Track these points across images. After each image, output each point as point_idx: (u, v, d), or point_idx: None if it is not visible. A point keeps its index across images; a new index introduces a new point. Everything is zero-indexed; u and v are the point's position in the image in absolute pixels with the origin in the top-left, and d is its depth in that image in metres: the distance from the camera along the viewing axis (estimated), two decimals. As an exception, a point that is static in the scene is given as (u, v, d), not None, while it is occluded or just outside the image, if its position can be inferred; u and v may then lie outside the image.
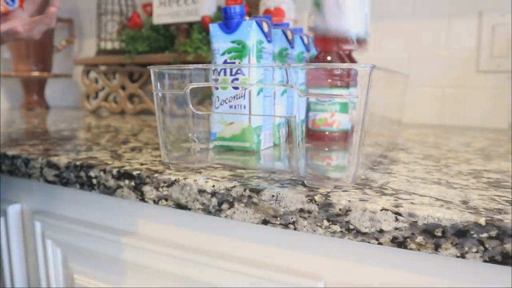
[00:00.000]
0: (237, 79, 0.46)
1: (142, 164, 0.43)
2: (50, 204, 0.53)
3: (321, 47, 0.52)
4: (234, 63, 0.46)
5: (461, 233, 0.27)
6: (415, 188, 0.34)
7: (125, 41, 1.03)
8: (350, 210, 0.30)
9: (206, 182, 0.36)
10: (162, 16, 0.98)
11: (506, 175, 0.40)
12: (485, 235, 0.26)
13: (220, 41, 0.47)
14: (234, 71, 0.45)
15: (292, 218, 0.32)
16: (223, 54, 0.47)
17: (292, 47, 0.56)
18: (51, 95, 1.43)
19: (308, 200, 0.31)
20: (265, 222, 0.34)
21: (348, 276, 0.35)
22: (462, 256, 0.27)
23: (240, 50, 0.46)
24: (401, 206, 0.29)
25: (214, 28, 0.47)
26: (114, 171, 0.41)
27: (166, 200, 0.38)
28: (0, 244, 0.56)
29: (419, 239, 0.28)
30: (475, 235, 0.27)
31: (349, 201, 0.30)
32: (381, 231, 0.29)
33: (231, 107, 0.46)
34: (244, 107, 0.46)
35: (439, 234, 0.28)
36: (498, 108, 0.88)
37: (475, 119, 0.90)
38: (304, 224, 0.32)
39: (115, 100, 1.15)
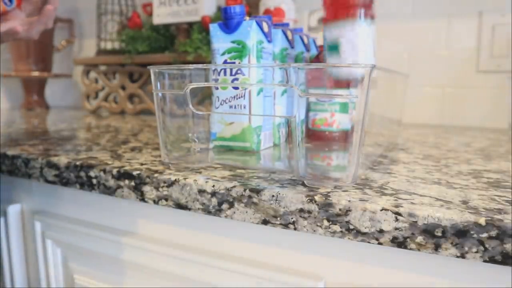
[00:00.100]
0: (237, 79, 0.46)
1: (142, 164, 0.43)
2: (50, 204, 0.53)
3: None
4: (234, 63, 0.46)
5: (461, 233, 0.27)
6: (415, 188, 0.34)
7: (125, 41, 1.03)
8: (350, 210, 0.30)
9: (206, 182, 0.36)
10: (162, 16, 0.98)
11: (506, 175, 0.40)
12: (485, 235, 0.26)
13: (220, 41, 0.47)
14: (234, 71, 0.45)
15: (292, 218, 0.32)
16: (223, 54, 0.47)
17: (292, 47, 0.56)
18: (51, 95, 1.43)
19: (308, 200, 0.31)
20: (265, 222, 0.34)
21: (348, 276, 0.35)
22: (462, 256, 0.27)
23: (240, 50, 0.46)
24: (401, 206, 0.29)
25: (214, 28, 0.47)
26: (114, 171, 0.41)
27: (166, 200, 0.38)
28: (0, 244, 0.56)
29: (419, 239, 0.28)
30: (475, 235, 0.27)
31: (349, 201, 0.30)
32: (381, 231, 0.29)
33: (231, 107, 0.46)
34: (244, 107, 0.46)
35: (439, 234, 0.28)
36: (498, 108, 0.88)
37: (475, 119, 0.90)
38: (304, 224, 0.32)
39: (115, 100, 1.15)
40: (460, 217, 0.27)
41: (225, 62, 0.47)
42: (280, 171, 0.41)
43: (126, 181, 0.40)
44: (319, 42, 0.68)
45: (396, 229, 0.29)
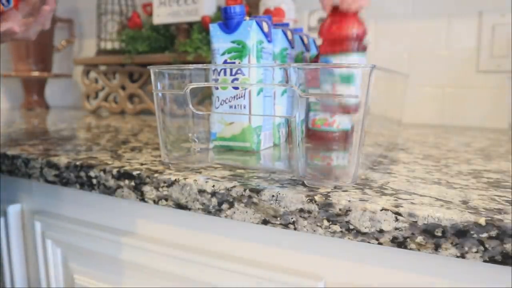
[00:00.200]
0: (237, 79, 0.46)
1: (142, 164, 0.43)
2: (50, 204, 0.53)
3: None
4: (234, 63, 0.46)
5: (461, 233, 0.27)
6: (415, 188, 0.34)
7: (125, 41, 1.03)
8: (350, 210, 0.30)
9: (206, 182, 0.36)
10: (162, 16, 0.98)
11: (506, 175, 0.40)
12: (485, 235, 0.26)
13: (220, 41, 0.47)
14: (234, 71, 0.45)
15: (292, 218, 0.32)
16: (223, 54, 0.47)
17: (292, 47, 0.56)
18: (51, 95, 1.43)
19: (308, 200, 0.31)
20: (265, 222, 0.34)
21: (348, 276, 0.35)
22: (462, 256, 0.27)
23: (240, 50, 0.46)
24: (401, 206, 0.29)
25: (214, 28, 0.47)
26: (114, 171, 0.41)
27: (166, 200, 0.38)
28: (0, 244, 0.56)
29: (419, 239, 0.28)
30: (475, 235, 0.27)
31: (349, 201, 0.30)
32: (381, 231, 0.29)
33: (231, 107, 0.46)
34: (244, 107, 0.46)
35: (439, 234, 0.28)
36: (498, 108, 0.88)
37: (475, 119, 0.90)
38: (304, 224, 0.32)
39: (115, 100, 1.15)
40: (460, 217, 0.27)
41: (225, 62, 0.47)
42: (280, 171, 0.41)
43: (126, 181, 0.40)
44: (319, 42, 0.68)
45: (396, 229, 0.29)
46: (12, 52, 1.26)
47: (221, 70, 0.46)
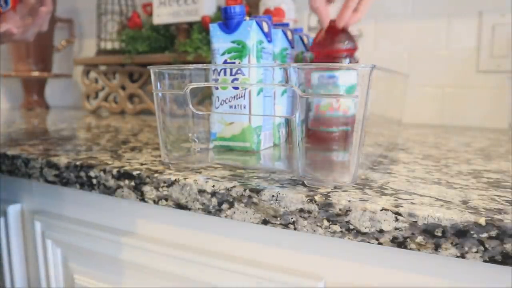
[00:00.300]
0: (237, 79, 0.46)
1: (142, 164, 0.43)
2: (50, 204, 0.53)
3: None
4: (234, 63, 0.46)
5: (461, 233, 0.27)
6: (415, 188, 0.34)
7: (125, 41, 1.03)
8: (350, 210, 0.30)
9: (206, 182, 0.36)
10: (162, 16, 0.98)
11: (506, 175, 0.40)
12: (485, 235, 0.26)
13: (220, 41, 0.47)
14: (234, 71, 0.45)
15: (292, 218, 0.32)
16: (223, 54, 0.47)
17: (292, 47, 0.56)
18: (51, 95, 1.43)
19: (308, 200, 0.31)
20: (265, 222, 0.34)
21: (348, 276, 0.35)
22: (462, 256, 0.27)
23: (240, 50, 0.46)
24: (401, 206, 0.29)
25: (214, 28, 0.47)
26: (114, 171, 0.41)
27: (166, 200, 0.38)
28: (0, 244, 0.56)
29: (419, 239, 0.28)
30: (475, 235, 0.27)
31: (349, 201, 0.30)
32: (381, 231, 0.29)
33: (231, 107, 0.46)
34: (244, 107, 0.46)
35: (439, 234, 0.28)
36: (498, 108, 0.88)
37: (475, 119, 0.90)
38: (304, 224, 0.32)
39: (115, 100, 1.15)
40: (460, 217, 0.27)
41: (225, 62, 0.47)
42: (280, 171, 0.41)
43: (126, 181, 0.40)
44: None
45: (396, 229, 0.29)
46: (12, 52, 1.26)
47: (221, 70, 0.46)
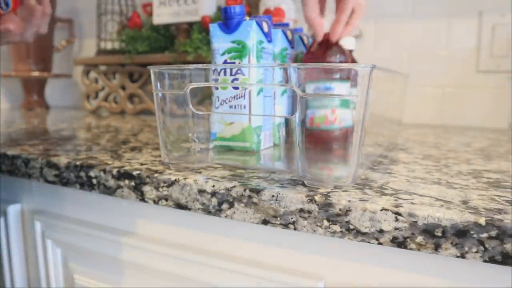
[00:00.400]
0: (237, 79, 0.46)
1: (142, 164, 0.43)
2: (50, 204, 0.53)
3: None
4: (234, 63, 0.46)
5: (461, 233, 0.27)
6: (415, 188, 0.34)
7: (125, 41, 1.03)
8: (350, 210, 0.30)
9: (206, 182, 0.36)
10: (162, 16, 0.98)
11: (506, 175, 0.40)
12: (485, 235, 0.26)
13: (220, 41, 0.47)
14: (234, 71, 0.45)
15: (292, 218, 0.32)
16: (223, 54, 0.47)
17: (292, 47, 0.56)
18: (51, 95, 1.43)
19: (308, 200, 0.31)
20: (265, 222, 0.34)
21: (348, 276, 0.35)
22: (462, 256, 0.27)
23: (240, 50, 0.46)
24: (401, 206, 0.29)
25: (214, 28, 0.47)
26: (114, 171, 0.41)
27: (166, 200, 0.38)
28: (0, 244, 0.56)
29: (419, 239, 0.28)
30: (475, 235, 0.27)
31: (349, 201, 0.30)
32: (381, 231, 0.29)
33: (231, 107, 0.46)
34: (244, 107, 0.46)
35: (439, 234, 0.28)
36: (498, 108, 0.88)
37: (475, 119, 0.90)
38: (304, 224, 0.32)
39: (115, 100, 1.15)
40: (460, 217, 0.27)
41: (225, 62, 0.47)
42: (280, 171, 0.41)
43: (126, 181, 0.40)
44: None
45: (396, 229, 0.29)
46: (12, 52, 1.26)
47: (221, 70, 0.46)
